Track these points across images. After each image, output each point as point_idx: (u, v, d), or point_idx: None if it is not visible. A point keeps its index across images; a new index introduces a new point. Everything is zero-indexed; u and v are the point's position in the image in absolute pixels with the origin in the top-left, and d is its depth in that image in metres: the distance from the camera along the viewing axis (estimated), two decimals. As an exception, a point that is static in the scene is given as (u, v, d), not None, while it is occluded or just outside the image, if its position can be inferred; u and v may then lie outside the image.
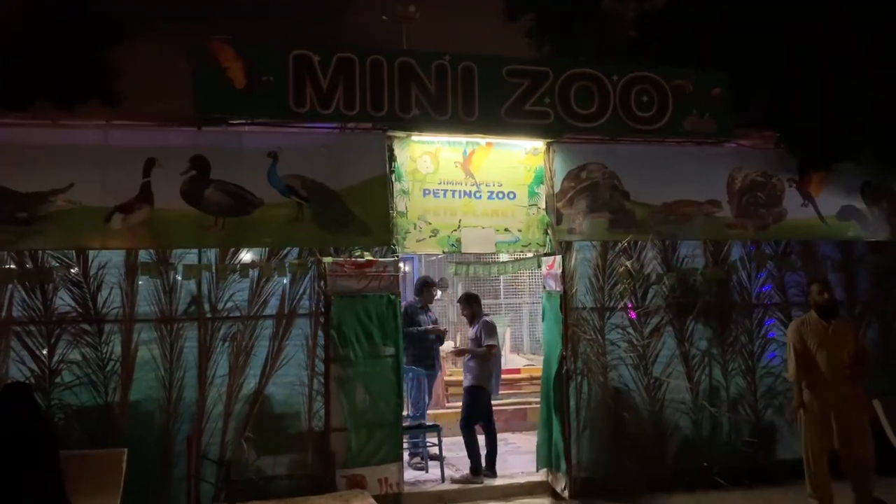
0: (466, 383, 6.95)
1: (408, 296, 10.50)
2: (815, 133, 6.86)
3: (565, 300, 6.45)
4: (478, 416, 6.80)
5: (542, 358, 6.85)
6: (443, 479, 6.65)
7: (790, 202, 7.21)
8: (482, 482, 6.57)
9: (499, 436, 8.46)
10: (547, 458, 6.55)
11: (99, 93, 6.32)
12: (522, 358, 10.60)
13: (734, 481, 6.55)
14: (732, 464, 6.70)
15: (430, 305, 7.56)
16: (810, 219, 7.23)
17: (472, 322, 7.03)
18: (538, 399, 7.06)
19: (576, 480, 6.34)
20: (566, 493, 6.28)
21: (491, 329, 6.81)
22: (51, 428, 4.97)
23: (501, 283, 11.93)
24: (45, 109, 5.71)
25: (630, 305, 6.70)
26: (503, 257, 7.79)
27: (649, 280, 6.77)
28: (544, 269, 6.85)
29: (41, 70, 6.08)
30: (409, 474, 6.81)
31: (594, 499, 6.32)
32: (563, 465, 6.34)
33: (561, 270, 6.46)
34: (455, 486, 6.51)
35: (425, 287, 7.45)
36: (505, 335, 11.46)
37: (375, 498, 5.80)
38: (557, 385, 6.41)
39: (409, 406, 7.15)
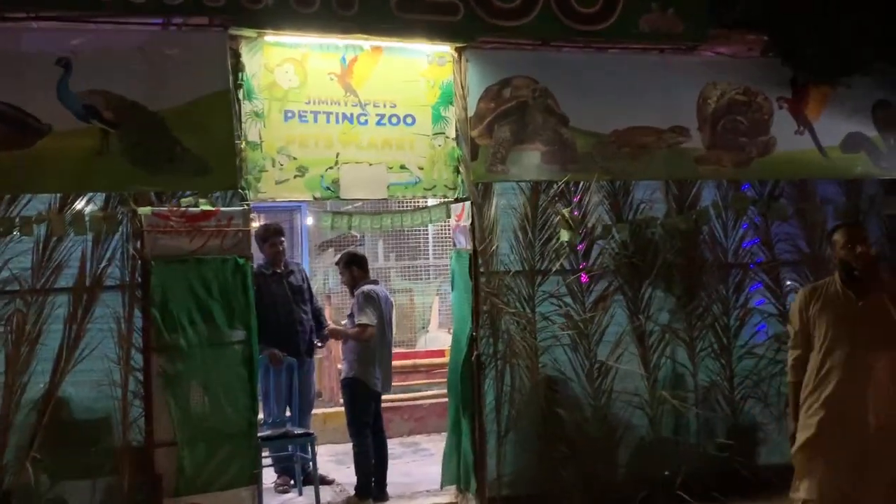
0: (342, 375, 6.46)
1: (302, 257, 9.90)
2: (814, 37, 6.48)
3: (475, 261, 5.95)
4: (362, 415, 6.31)
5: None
6: None
7: (780, 129, 6.83)
8: None
9: (411, 438, 8.40)
10: (454, 472, 6.12)
11: None
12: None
13: (703, 495, 6.24)
14: (701, 472, 6.39)
15: (293, 268, 6.87)
16: (807, 150, 6.89)
17: (353, 292, 6.44)
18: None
19: (492, 501, 5.86)
20: None
21: (368, 302, 6.24)
22: None
23: (430, 238, 11.37)
24: None
25: (582, 265, 6.38)
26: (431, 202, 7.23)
27: (594, 233, 6.38)
28: (453, 221, 6.35)
29: None
30: (274, 500, 6.39)
31: None
32: (474, 484, 5.84)
33: (471, 221, 5.89)
34: None
35: (266, 238, 6.72)
36: (433, 306, 10.98)
37: None
38: (467, 375, 5.94)
39: (268, 409, 6.61)
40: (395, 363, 8.60)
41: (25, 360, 5.29)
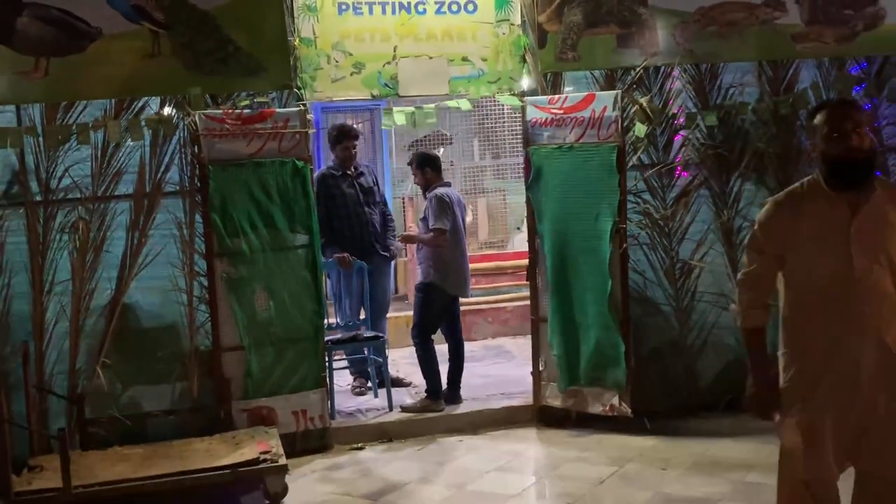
0: (417, 280, 6.32)
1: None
2: None
3: (623, 154, 5.63)
4: (430, 322, 6.20)
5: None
6: (390, 406, 6.10)
7: None
8: (442, 409, 6.03)
9: (495, 341, 8.27)
10: (572, 372, 5.84)
11: None
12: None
13: None
14: None
15: (363, 170, 6.64)
16: None
17: (425, 193, 6.25)
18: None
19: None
20: (625, 408, 5.66)
21: (441, 206, 6.01)
22: None
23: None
24: None
25: (678, 159, 6.04)
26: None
27: (676, 123, 6.00)
28: (534, 114, 5.92)
29: None
30: (350, 402, 6.35)
31: (587, 428, 5.79)
32: (613, 376, 5.71)
33: (620, 112, 5.55)
34: (404, 416, 5.99)
35: (340, 140, 6.49)
36: (526, 206, 10.73)
37: (291, 437, 5.44)
38: (615, 270, 5.69)
39: (342, 312, 6.52)
40: (480, 265, 8.54)
41: (91, 267, 5.39)
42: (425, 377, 6.12)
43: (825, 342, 3.08)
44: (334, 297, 6.50)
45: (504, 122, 10.79)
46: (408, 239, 6.67)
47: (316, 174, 6.26)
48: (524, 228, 10.53)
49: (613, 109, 5.54)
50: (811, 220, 3.09)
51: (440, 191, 6.13)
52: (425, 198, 6.32)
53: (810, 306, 3.13)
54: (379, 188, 6.79)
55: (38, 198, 5.31)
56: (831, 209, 3.07)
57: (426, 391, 6.11)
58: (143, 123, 5.36)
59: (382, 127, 7.20)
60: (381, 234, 6.56)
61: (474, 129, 11.44)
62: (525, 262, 8.61)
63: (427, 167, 6.26)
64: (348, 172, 6.47)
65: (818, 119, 3.13)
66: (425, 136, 10.96)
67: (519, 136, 10.74)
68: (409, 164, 6.60)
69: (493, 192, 11.33)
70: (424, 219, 6.20)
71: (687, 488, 4.76)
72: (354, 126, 7.08)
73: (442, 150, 10.52)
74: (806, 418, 3.11)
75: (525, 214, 10.51)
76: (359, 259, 6.32)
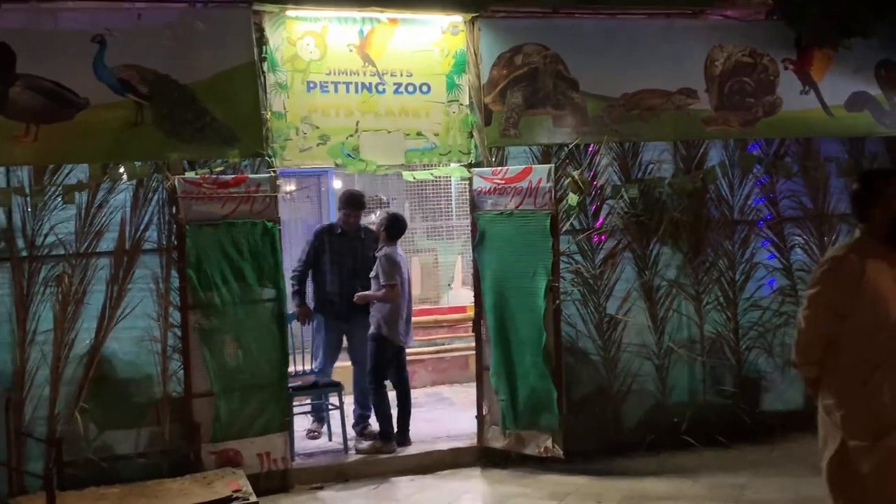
0: (369, 331, 6.58)
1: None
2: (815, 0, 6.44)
3: (556, 221, 6.04)
4: (381, 369, 6.50)
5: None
6: (345, 448, 6.35)
7: (786, 89, 6.85)
8: (393, 450, 6.30)
9: (434, 389, 8.54)
10: (515, 417, 6.19)
11: None
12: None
13: (708, 440, 6.36)
14: (707, 419, 6.52)
15: (362, 235, 6.77)
16: (811, 110, 6.90)
17: (376, 253, 6.57)
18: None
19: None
20: (558, 450, 5.99)
21: (391, 265, 6.35)
22: None
23: (453, 201, 11.51)
24: None
25: (599, 222, 6.47)
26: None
27: (603, 194, 6.45)
28: (479, 184, 6.31)
29: None
30: (307, 445, 6.57)
31: (526, 468, 6.10)
32: (547, 421, 6.04)
33: (552, 183, 5.97)
34: (359, 457, 6.25)
35: (342, 207, 6.65)
36: (456, 265, 11.14)
37: (255, 477, 5.57)
38: (548, 321, 6.05)
39: (315, 360, 6.82)
40: (419, 318, 8.84)
41: (72, 319, 5.54)
42: (379, 420, 6.38)
43: (890, 391, 3.26)
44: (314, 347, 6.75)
45: (439, 189, 11.27)
46: (363, 298, 6.85)
47: (318, 226, 6.53)
48: (455, 285, 11.02)
49: (548, 181, 5.97)
50: (871, 277, 3.29)
51: (387, 250, 6.46)
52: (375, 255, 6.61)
53: (873, 358, 3.28)
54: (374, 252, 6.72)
55: (24, 253, 5.44)
56: (889, 267, 3.32)
57: (379, 433, 6.37)
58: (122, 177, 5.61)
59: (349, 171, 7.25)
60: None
61: (406, 194, 11.90)
62: (460, 315, 9.16)
63: (385, 230, 6.52)
64: (348, 233, 6.63)
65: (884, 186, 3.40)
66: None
67: (449, 202, 11.37)
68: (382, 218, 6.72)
69: (425, 252, 11.73)
70: (375, 276, 6.51)
71: (620, 519, 5.18)
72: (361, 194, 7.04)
73: (379, 212, 10.87)
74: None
75: (455, 272, 11.07)
76: (338, 320, 6.57)
